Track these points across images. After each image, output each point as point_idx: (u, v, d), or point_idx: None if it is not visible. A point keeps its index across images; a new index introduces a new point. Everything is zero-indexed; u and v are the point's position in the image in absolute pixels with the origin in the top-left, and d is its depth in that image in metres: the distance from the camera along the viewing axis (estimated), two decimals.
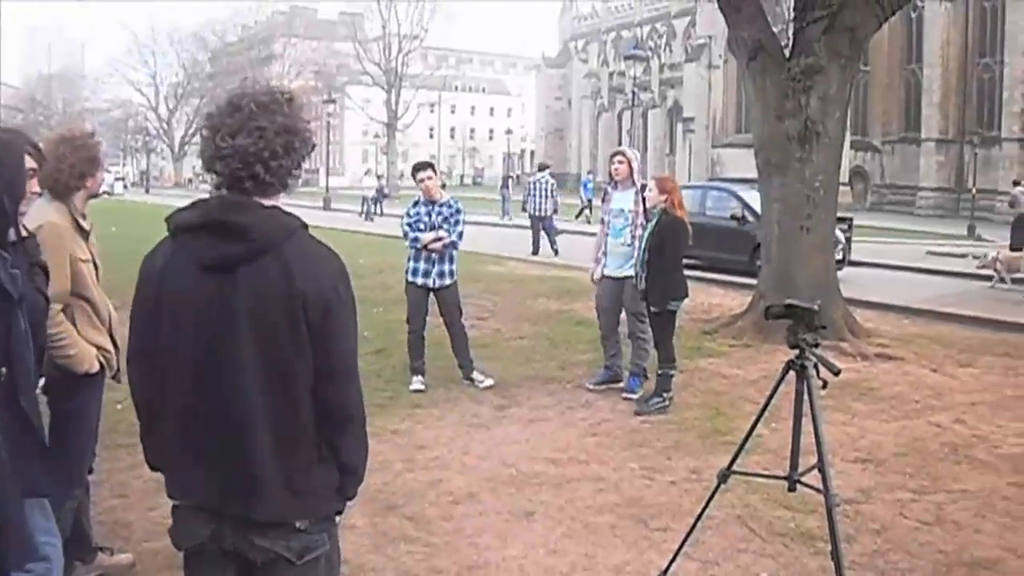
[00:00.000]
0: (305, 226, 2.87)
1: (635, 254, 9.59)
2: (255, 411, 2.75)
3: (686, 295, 9.44)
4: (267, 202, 2.84)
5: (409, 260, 10.17)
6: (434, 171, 10.19)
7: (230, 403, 2.76)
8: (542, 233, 25.91)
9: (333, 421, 2.87)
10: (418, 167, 10.19)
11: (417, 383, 9.84)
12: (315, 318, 2.76)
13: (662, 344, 9.31)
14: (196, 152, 3.11)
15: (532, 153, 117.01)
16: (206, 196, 2.91)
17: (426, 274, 10.03)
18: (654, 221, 9.27)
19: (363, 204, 48.88)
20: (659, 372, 9.28)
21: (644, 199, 9.64)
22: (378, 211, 48.27)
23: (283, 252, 2.75)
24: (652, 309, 9.23)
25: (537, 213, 25.87)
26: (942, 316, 15.72)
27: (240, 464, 2.77)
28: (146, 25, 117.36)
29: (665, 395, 9.15)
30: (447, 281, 10.12)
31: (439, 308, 10.20)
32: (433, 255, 9.98)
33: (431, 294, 10.14)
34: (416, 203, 10.15)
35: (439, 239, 9.87)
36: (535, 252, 25.35)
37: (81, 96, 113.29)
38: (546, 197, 25.82)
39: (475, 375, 10.09)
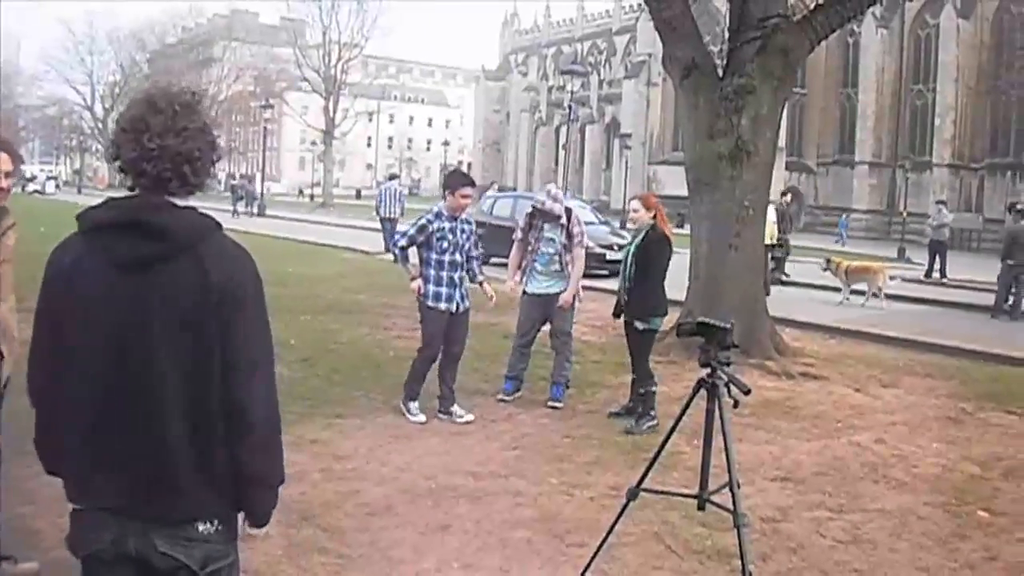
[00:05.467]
0: (219, 226, 2.87)
1: (569, 274, 9.97)
2: (172, 409, 2.74)
3: (666, 312, 9.52)
4: (182, 203, 2.84)
5: (428, 283, 9.06)
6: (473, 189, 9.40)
7: (147, 402, 2.74)
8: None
9: (236, 423, 2.81)
10: (465, 180, 9.28)
11: (419, 413, 9.15)
12: (226, 315, 2.76)
13: (640, 361, 9.34)
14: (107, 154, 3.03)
15: (469, 165, 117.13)
16: (118, 195, 2.87)
17: (449, 298, 9.05)
18: (641, 236, 9.29)
19: (234, 204, 54.17)
20: (641, 391, 9.27)
21: (569, 227, 9.94)
22: (251, 209, 54.97)
23: (198, 251, 2.77)
24: (637, 326, 9.21)
25: (386, 215, 29.77)
26: (868, 336, 15.92)
27: (156, 463, 2.75)
28: (84, 23, 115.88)
29: (652, 413, 9.15)
30: (467, 303, 9.28)
31: (451, 331, 9.24)
32: (455, 277, 9.09)
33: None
34: (439, 215, 9.04)
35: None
36: (387, 249, 27.35)
37: (15, 92, 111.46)
38: (395, 202, 29.86)
39: (455, 408, 9.28)
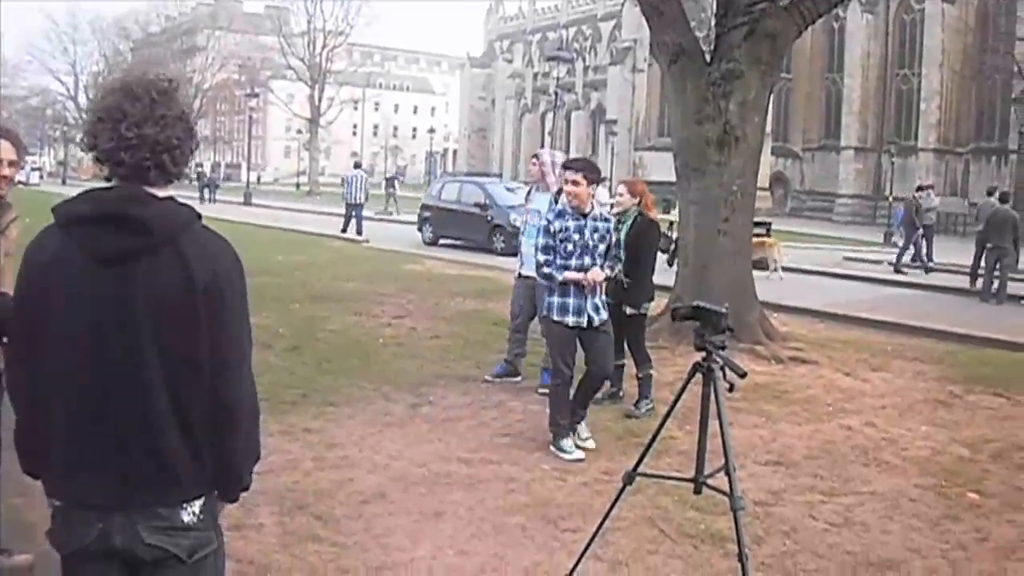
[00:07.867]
0: (199, 217, 2.82)
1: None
2: (162, 404, 2.70)
3: (654, 297, 9.62)
4: (161, 193, 2.79)
5: (552, 294, 7.81)
6: (588, 174, 7.75)
7: (136, 398, 2.70)
8: (352, 219, 32.00)
9: (227, 418, 2.81)
10: (567, 165, 8.14)
11: (574, 450, 7.72)
12: (212, 310, 2.72)
13: (637, 346, 9.36)
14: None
15: (455, 152, 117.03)
16: (96, 186, 2.82)
17: (578, 311, 7.66)
18: (629, 223, 9.22)
19: (201, 191, 57.66)
20: (640, 376, 9.29)
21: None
22: (212, 197, 57.73)
23: (180, 244, 2.71)
24: (628, 311, 9.14)
25: (351, 201, 32.11)
26: (857, 321, 15.97)
27: (148, 457, 2.72)
28: (67, 12, 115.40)
29: (649, 396, 9.19)
30: (604, 315, 7.89)
31: (588, 350, 7.88)
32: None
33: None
34: (561, 213, 7.77)
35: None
36: (344, 231, 31.54)
37: None
38: (359, 190, 31.99)
39: (580, 428, 8.02)
